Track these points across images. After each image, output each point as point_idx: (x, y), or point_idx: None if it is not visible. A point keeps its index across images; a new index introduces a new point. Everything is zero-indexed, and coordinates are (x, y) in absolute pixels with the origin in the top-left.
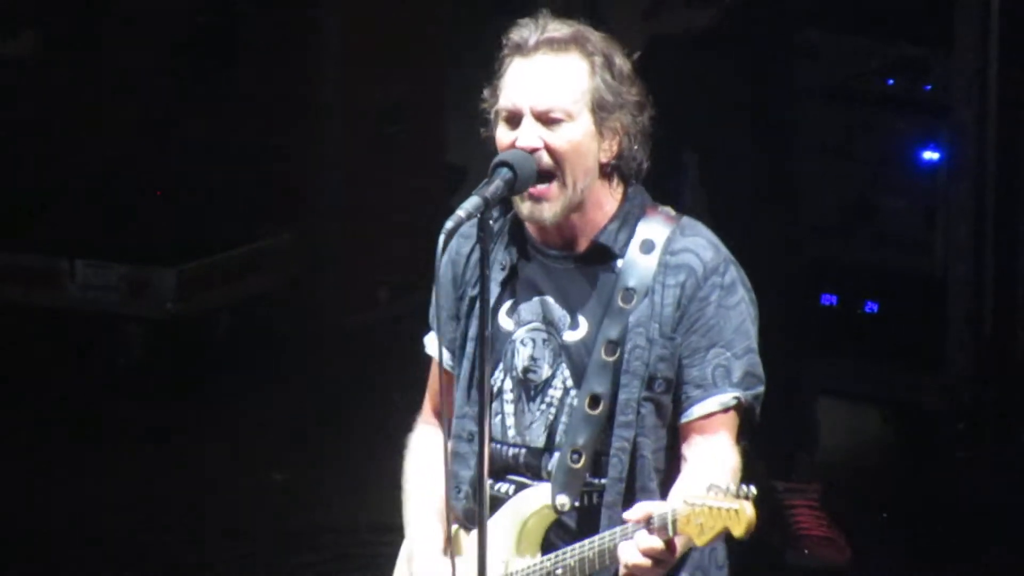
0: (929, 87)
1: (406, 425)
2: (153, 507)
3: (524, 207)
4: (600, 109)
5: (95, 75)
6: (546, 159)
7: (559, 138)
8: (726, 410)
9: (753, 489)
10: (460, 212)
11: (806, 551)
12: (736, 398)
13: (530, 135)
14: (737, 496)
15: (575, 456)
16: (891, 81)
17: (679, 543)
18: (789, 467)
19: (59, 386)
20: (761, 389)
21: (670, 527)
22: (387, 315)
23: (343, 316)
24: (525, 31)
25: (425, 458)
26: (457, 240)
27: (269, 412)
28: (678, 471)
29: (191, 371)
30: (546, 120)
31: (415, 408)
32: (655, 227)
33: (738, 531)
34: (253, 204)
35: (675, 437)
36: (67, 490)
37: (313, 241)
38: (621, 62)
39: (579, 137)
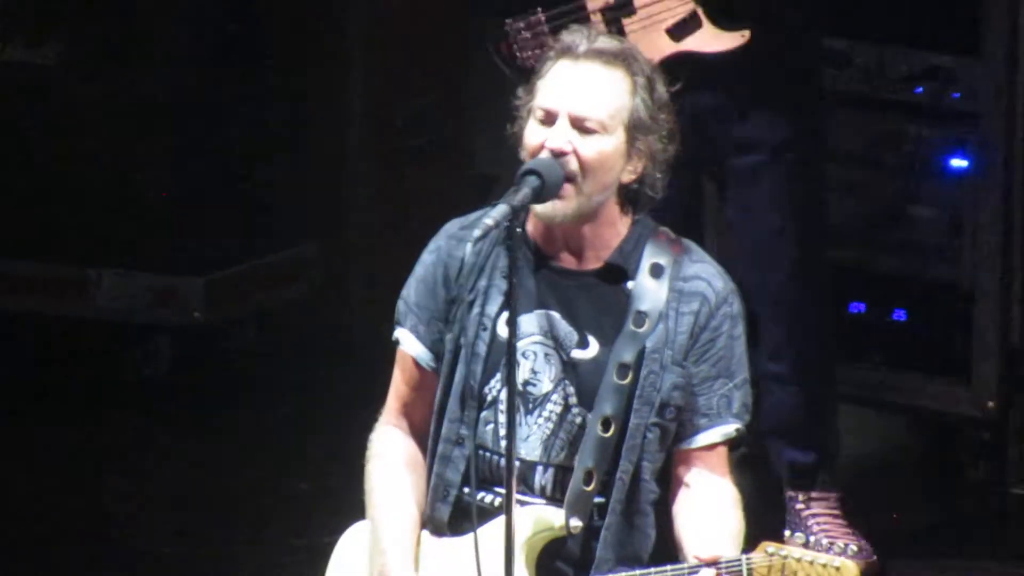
0: (957, 95)
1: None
2: (181, 516)
3: (538, 205)
4: (635, 128)
5: (121, 83)
6: (572, 164)
7: (589, 147)
8: (725, 441)
9: (855, 547)
10: (488, 220)
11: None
12: (737, 429)
13: (561, 137)
14: (831, 551)
15: (588, 478)
16: (919, 89)
17: None
18: (812, 478)
19: (86, 396)
20: (748, 419)
21: (745, 573)
22: None
23: (370, 325)
24: (577, 36)
25: (392, 463)
26: (448, 242)
27: (296, 421)
28: (666, 494)
29: (218, 380)
30: (580, 127)
31: None
32: (661, 251)
33: None
34: (280, 214)
35: (668, 460)
36: (93, 500)
37: (340, 251)
38: (662, 89)
39: (609, 150)
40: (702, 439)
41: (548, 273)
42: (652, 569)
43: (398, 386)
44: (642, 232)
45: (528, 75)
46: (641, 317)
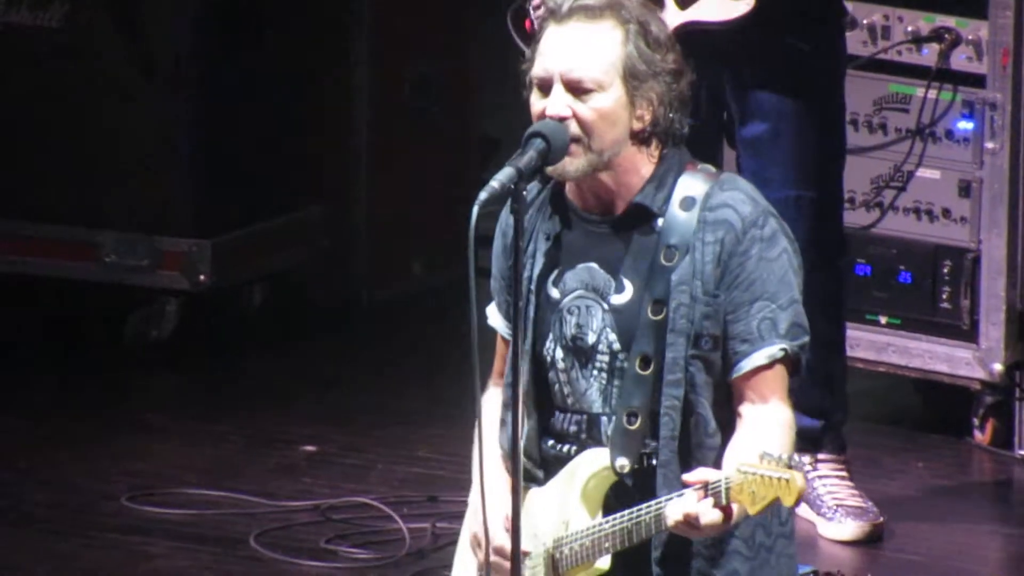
0: (964, 57)
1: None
2: (187, 477)
3: (547, 167)
4: (632, 78)
5: (125, 46)
6: (574, 128)
7: (588, 108)
8: (773, 363)
9: (805, 459)
10: (494, 183)
11: (840, 522)
12: (783, 349)
13: (559, 104)
14: (789, 466)
15: (631, 418)
16: (925, 51)
17: (735, 511)
18: (818, 442)
19: (92, 359)
20: (807, 339)
21: (723, 495)
22: (421, 287)
23: (377, 288)
24: None
25: (490, 420)
26: (505, 212)
27: (303, 383)
28: (734, 427)
29: (224, 343)
30: (576, 89)
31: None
32: (695, 184)
33: (788, 501)
34: (286, 177)
35: (729, 393)
36: (101, 464)
37: (346, 214)
38: (657, 29)
39: (609, 106)
40: (747, 364)
41: (584, 226)
42: (652, 501)
43: (497, 355)
44: (670, 167)
45: None
46: (671, 251)
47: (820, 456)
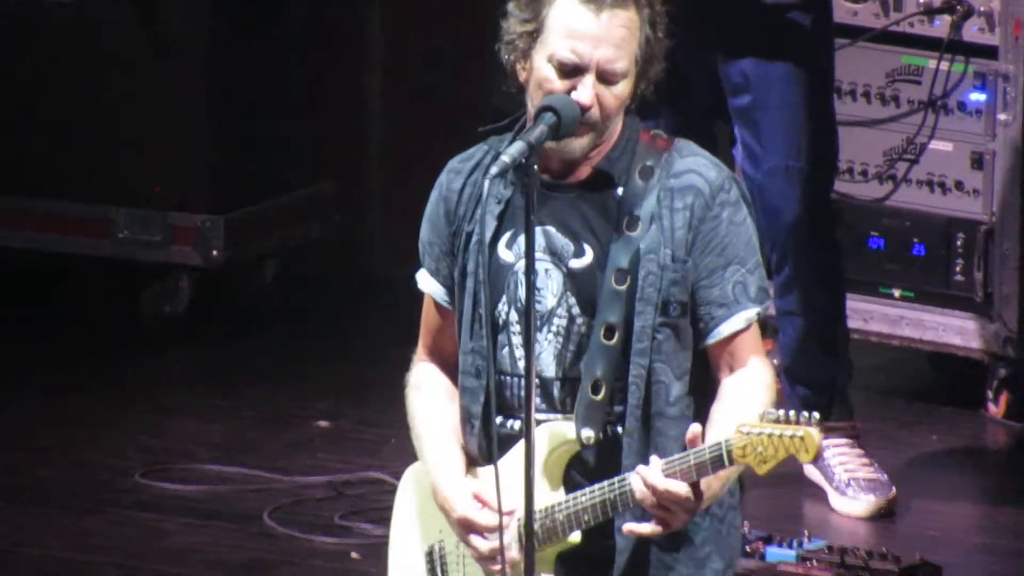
0: (975, 28)
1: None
2: (202, 452)
3: (551, 142)
4: (644, 61)
5: (141, 22)
6: (595, 114)
7: (612, 96)
8: (749, 326)
9: (816, 415)
10: (505, 158)
11: (855, 497)
12: (758, 313)
13: (589, 92)
14: (798, 422)
15: (595, 388)
16: (937, 23)
17: (729, 473)
18: (825, 411)
19: (106, 335)
20: (770, 303)
21: (725, 457)
22: None
23: (388, 264)
24: None
25: (431, 392)
26: (447, 176)
27: (315, 359)
28: (705, 395)
29: (237, 318)
30: (607, 79)
31: None
32: (651, 153)
33: (806, 457)
34: (298, 152)
35: (700, 360)
36: (115, 440)
37: (359, 189)
38: (659, 9)
39: (627, 92)
40: (725, 329)
41: (541, 190)
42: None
43: (425, 325)
44: (630, 136)
45: None
46: (634, 220)
47: (829, 423)
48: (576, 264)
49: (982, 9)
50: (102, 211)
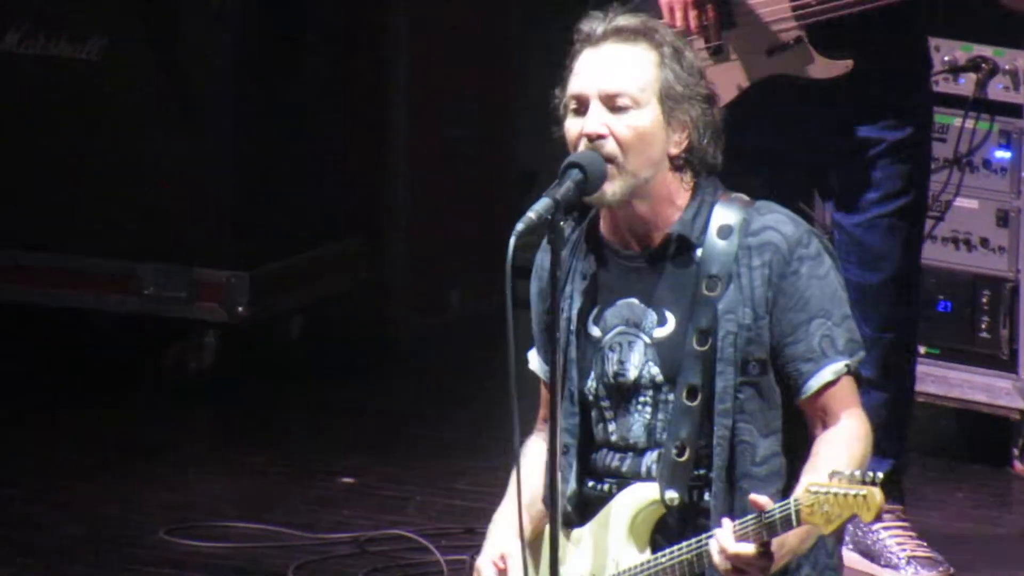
0: (1001, 86)
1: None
2: (225, 509)
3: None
4: (669, 99)
5: (163, 79)
6: (610, 146)
7: (624, 125)
8: (839, 378)
9: (880, 474)
10: (531, 214)
11: (917, 572)
12: (847, 365)
13: (596, 121)
14: (863, 482)
15: (679, 450)
16: (962, 80)
17: (775, 546)
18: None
19: (131, 391)
20: (863, 354)
21: (794, 518)
22: (459, 318)
23: (414, 320)
24: (594, 22)
25: (533, 459)
26: (539, 255)
27: (341, 415)
28: (799, 455)
29: (263, 374)
30: (613, 106)
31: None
32: (730, 212)
33: (868, 516)
34: (324, 208)
35: (793, 419)
36: (139, 496)
37: (384, 245)
38: (691, 55)
39: (646, 125)
40: (815, 383)
41: (620, 262)
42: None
43: (542, 404)
44: (704, 198)
45: None
46: (714, 281)
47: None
48: (660, 334)
49: (1007, 68)
50: (128, 267)
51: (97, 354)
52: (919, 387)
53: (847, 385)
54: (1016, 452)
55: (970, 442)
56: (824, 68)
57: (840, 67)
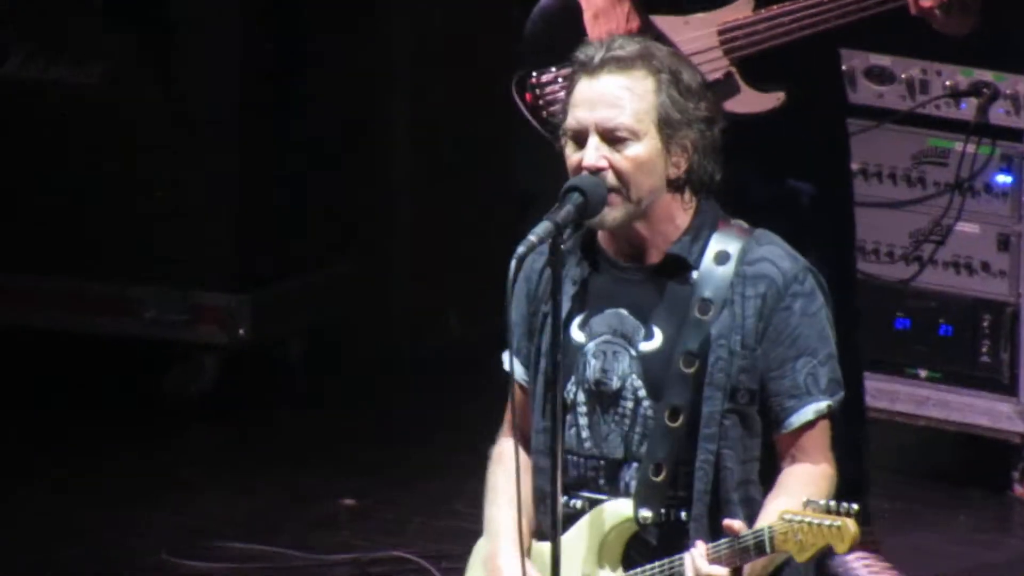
0: (1002, 111)
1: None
2: (228, 531)
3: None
4: (667, 126)
5: (164, 101)
6: (611, 178)
7: (623, 157)
8: (819, 419)
9: (855, 506)
10: (532, 237)
11: None
12: (828, 405)
13: (594, 154)
14: (839, 512)
15: (656, 469)
16: (963, 105)
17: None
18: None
19: (132, 414)
20: (843, 394)
21: (767, 544)
22: (459, 342)
23: (414, 343)
24: (591, 49)
25: (509, 465)
26: (531, 256)
27: (341, 438)
28: (770, 485)
29: (263, 397)
30: (611, 138)
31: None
32: (729, 239)
33: (842, 547)
34: (324, 232)
35: (768, 449)
36: (140, 519)
37: (384, 267)
38: (689, 77)
39: (645, 155)
40: (796, 420)
41: (615, 272)
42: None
43: (511, 404)
44: (705, 221)
45: (552, 128)
46: (706, 304)
47: None
48: (645, 347)
49: (1008, 92)
50: (128, 291)
51: (98, 377)
52: (920, 411)
53: (824, 427)
54: (1017, 476)
55: (971, 466)
56: (755, 102)
57: (771, 100)
